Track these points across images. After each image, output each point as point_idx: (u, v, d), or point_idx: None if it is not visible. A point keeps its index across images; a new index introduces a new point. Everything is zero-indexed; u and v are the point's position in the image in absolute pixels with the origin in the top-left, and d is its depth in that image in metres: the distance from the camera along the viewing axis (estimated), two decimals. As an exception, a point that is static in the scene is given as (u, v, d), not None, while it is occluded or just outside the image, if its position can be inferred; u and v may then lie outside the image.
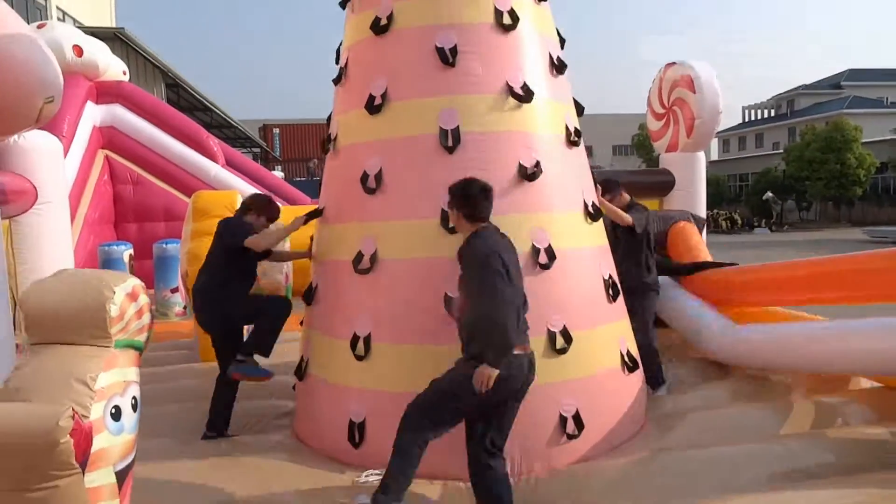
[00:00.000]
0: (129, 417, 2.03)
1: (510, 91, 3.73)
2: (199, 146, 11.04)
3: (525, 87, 3.76)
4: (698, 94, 7.76)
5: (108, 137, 10.67)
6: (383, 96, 3.77)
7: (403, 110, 3.76)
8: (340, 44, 4.33)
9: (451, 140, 3.60)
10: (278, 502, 3.19)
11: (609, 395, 3.77)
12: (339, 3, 4.32)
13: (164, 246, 8.19)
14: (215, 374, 5.20)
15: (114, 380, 1.98)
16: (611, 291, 3.95)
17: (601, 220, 4.18)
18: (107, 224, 10.65)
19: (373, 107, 3.78)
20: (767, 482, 3.24)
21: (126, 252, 8.32)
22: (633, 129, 41.69)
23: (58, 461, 1.68)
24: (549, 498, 3.24)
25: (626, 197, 5.20)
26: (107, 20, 32.75)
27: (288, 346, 4.91)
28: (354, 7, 4.14)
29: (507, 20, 3.81)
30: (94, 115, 10.41)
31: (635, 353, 4.11)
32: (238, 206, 6.14)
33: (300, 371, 4.08)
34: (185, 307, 8.32)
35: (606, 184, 5.02)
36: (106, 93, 10.60)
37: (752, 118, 53.77)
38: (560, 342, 3.54)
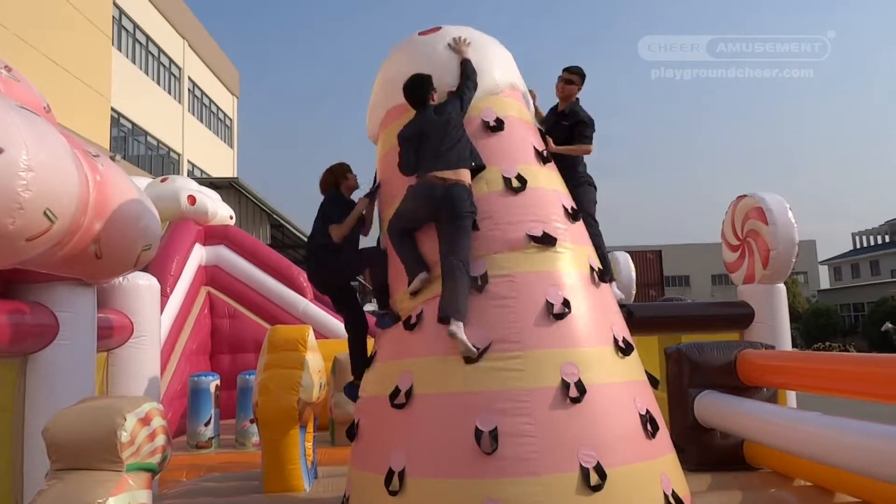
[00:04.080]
0: (137, 540, 2.18)
1: (531, 238, 4.02)
2: (290, 282, 11.86)
3: (545, 234, 4.02)
4: (771, 226, 7.64)
5: (211, 275, 11.71)
6: None
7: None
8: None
9: (480, 281, 3.87)
10: None
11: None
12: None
13: (247, 377, 8.62)
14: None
15: (122, 503, 2.15)
16: (649, 427, 3.83)
17: (635, 354, 4.16)
18: (203, 355, 11.40)
19: None
20: None
21: (213, 383, 8.81)
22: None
23: None
24: None
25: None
26: (229, 170, 36.75)
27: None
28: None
29: (515, 184, 4.18)
30: (200, 255, 11.52)
31: (682, 492, 3.86)
32: (309, 340, 6.52)
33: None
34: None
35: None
36: (213, 235, 11.77)
37: (864, 244, 50.87)
38: (594, 479, 3.43)
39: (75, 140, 4.23)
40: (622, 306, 4.90)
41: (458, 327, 3.67)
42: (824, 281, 54.41)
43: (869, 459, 4.37)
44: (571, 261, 4.08)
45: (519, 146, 4.49)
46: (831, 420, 4.93)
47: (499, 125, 4.42)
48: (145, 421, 2.32)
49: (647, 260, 27.11)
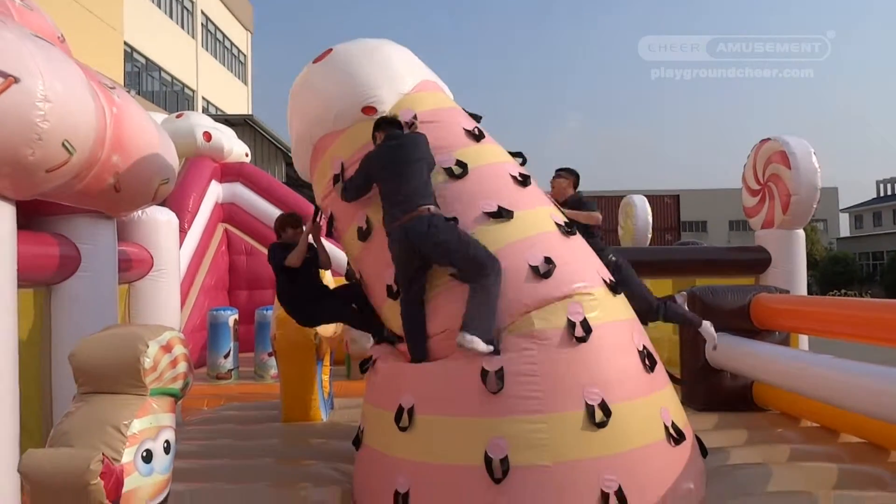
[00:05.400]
0: (161, 459, 2.29)
1: (489, 215, 4.02)
2: (305, 220, 11.91)
3: (500, 209, 4.04)
4: (794, 171, 7.51)
5: (228, 212, 11.78)
6: None
7: None
8: None
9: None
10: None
11: (655, 469, 3.63)
12: None
13: (264, 312, 8.81)
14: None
15: (147, 425, 2.26)
16: (647, 362, 3.89)
17: (622, 294, 4.21)
18: (221, 290, 11.61)
19: None
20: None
21: (231, 317, 9.01)
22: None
23: (91, 501, 1.97)
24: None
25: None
26: (244, 107, 36.44)
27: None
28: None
29: (457, 171, 4.23)
30: (217, 192, 11.57)
31: (682, 423, 3.96)
32: (326, 276, 6.62)
33: (357, 441, 4.27)
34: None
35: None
36: (229, 172, 11.77)
37: (888, 192, 49.88)
38: (599, 416, 3.50)
39: (91, 71, 4.20)
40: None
41: (473, 340, 3.52)
42: (844, 230, 53.71)
43: (878, 401, 4.43)
44: (535, 224, 4.09)
45: (448, 133, 4.45)
46: (842, 363, 4.96)
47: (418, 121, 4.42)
48: (167, 348, 2.40)
49: (665, 204, 26.87)
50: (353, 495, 4.30)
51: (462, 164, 4.25)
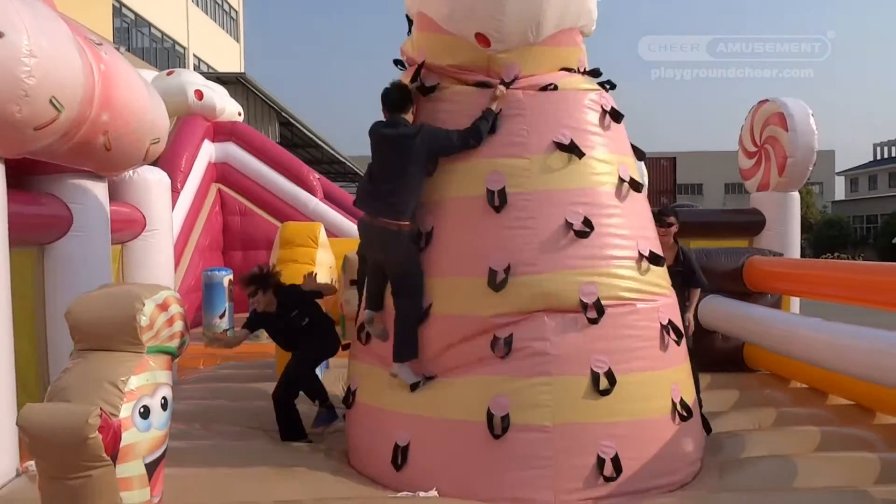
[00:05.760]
0: (158, 415, 2.33)
1: (558, 147, 3.82)
2: (300, 181, 11.85)
3: (572, 143, 3.83)
4: (791, 132, 7.46)
5: (221, 172, 11.68)
6: None
7: (452, 172, 3.91)
8: None
9: (497, 200, 3.70)
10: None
11: (654, 441, 3.69)
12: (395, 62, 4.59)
13: (259, 273, 8.79)
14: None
15: (143, 382, 2.28)
16: (665, 338, 3.85)
17: (662, 266, 4.07)
18: (216, 251, 11.59)
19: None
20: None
21: (226, 277, 8.97)
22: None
23: (89, 454, 2.00)
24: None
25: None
26: (236, 65, 35.80)
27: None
28: (407, 71, 4.35)
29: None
30: (209, 151, 11.44)
31: (690, 399, 3.98)
32: (320, 237, 6.61)
33: (347, 400, 4.30)
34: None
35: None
36: (221, 132, 11.63)
37: (885, 156, 49.75)
38: (604, 383, 3.54)
39: (77, 27, 4.10)
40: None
41: (401, 368, 3.76)
42: (840, 193, 53.71)
43: (866, 363, 4.49)
44: (598, 175, 3.86)
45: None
46: (831, 325, 5.02)
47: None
48: (163, 307, 2.41)
49: (661, 166, 26.73)
50: (348, 451, 4.38)
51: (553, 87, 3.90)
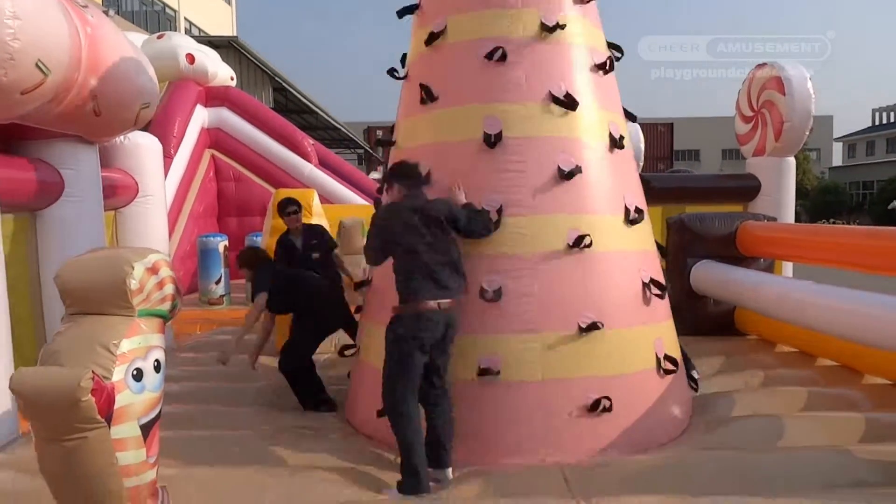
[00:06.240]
0: (151, 378, 2.35)
1: (553, 99, 3.87)
2: (295, 147, 11.76)
3: (568, 95, 3.87)
4: (788, 97, 7.41)
5: (215, 138, 11.59)
6: (435, 102, 4.02)
7: (449, 117, 3.97)
8: (404, 55, 4.60)
9: (493, 140, 3.79)
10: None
11: (640, 394, 3.77)
12: (398, 13, 4.55)
13: (255, 238, 8.81)
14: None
15: (136, 345, 2.30)
16: (648, 293, 3.94)
17: (646, 223, 4.18)
18: (210, 217, 11.57)
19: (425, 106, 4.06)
20: (821, 488, 3.12)
21: (221, 243, 9.01)
22: (745, 132, 39.51)
23: (82, 416, 2.03)
24: (574, 486, 3.26)
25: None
26: (228, 29, 35.14)
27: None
28: (416, 22, 4.42)
29: (550, 28, 3.93)
30: (202, 117, 11.33)
31: (675, 354, 4.07)
32: (314, 204, 6.59)
33: (341, 353, 4.47)
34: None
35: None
36: (214, 97, 11.50)
37: (884, 121, 49.45)
38: (589, 338, 3.60)
39: (62, -13, 4.02)
40: (644, 179, 4.81)
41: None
42: (837, 159, 53.51)
43: (857, 325, 4.53)
44: (589, 127, 3.98)
45: None
46: (822, 288, 5.05)
47: None
48: (153, 270, 2.41)
49: (658, 132, 26.62)
50: (346, 411, 4.43)
51: (561, 26, 3.94)
